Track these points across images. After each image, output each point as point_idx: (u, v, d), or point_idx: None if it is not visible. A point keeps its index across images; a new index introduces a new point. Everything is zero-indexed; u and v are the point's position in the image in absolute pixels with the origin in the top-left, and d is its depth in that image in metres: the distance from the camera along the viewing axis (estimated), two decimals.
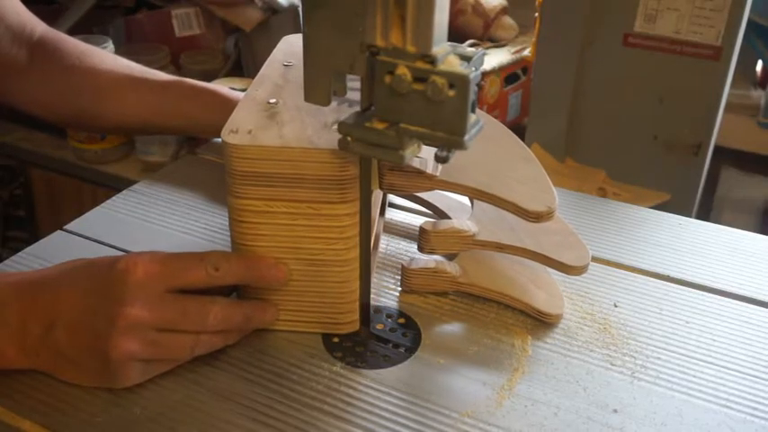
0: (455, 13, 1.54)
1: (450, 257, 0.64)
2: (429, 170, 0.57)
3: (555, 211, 0.56)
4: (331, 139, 0.52)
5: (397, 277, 0.64)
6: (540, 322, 0.60)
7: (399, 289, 0.63)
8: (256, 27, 1.45)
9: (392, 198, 0.75)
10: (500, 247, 0.61)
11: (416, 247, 0.61)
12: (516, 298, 0.61)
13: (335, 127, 0.53)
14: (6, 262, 0.65)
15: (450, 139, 0.45)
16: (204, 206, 0.73)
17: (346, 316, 0.57)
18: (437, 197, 0.70)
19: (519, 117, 1.50)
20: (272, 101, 0.57)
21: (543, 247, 0.60)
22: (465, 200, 0.68)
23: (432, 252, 0.61)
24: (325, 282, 0.55)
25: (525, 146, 0.63)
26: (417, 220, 0.72)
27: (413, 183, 0.58)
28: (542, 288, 0.62)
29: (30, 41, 0.76)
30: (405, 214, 0.74)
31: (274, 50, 0.66)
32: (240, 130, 0.53)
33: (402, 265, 0.62)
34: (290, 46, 0.67)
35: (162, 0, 1.58)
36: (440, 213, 0.69)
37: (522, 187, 0.57)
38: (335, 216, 0.53)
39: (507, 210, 0.57)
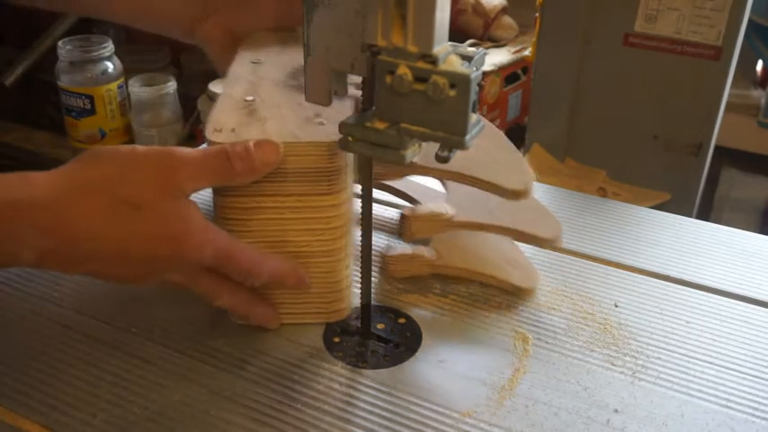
0: (455, 12, 1.54)
1: (426, 242, 0.65)
2: None
3: (532, 188, 0.58)
4: (314, 131, 0.52)
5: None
6: (542, 324, 0.60)
7: (400, 288, 0.63)
8: None
9: (400, 200, 0.75)
10: (478, 227, 0.63)
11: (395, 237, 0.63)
12: (491, 275, 0.63)
13: (318, 120, 0.53)
14: None
15: (450, 139, 0.45)
16: (204, 205, 0.73)
17: (334, 305, 0.58)
18: (409, 185, 0.71)
19: (519, 117, 1.49)
20: (249, 98, 0.57)
21: (518, 224, 0.62)
22: (437, 186, 0.69)
23: (412, 237, 0.63)
24: (313, 272, 0.55)
25: (499, 131, 0.65)
26: None
27: (394, 170, 0.58)
28: (516, 267, 0.64)
29: None
30: None
31: (240, 48, 0.66)
32: (224, 128, 0.53)
33: (381, 253, 0.63)
34: (257, 43, 0.67)
35: None
36: (413, 201, 0.69)
37: (500, 168, 0.59)
38: (324, 207, 0.53)
39: (487, 190, 0.59)
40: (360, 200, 0.54)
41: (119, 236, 0.48)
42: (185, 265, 0.50)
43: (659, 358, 0.57)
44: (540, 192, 0.81)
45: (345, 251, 0.56)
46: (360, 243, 0.55)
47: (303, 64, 0.51)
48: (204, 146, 0.53)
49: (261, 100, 0.57)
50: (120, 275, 0.51)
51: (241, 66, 0.63)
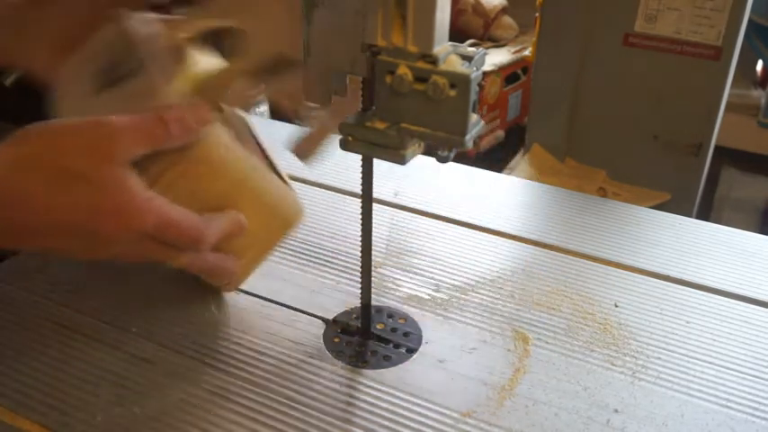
0: (455, 13, 1.54)
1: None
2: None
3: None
4: (170, 96, 0.53)
5: (397, 276, 0.64)
6: (542, 324, 0.60)
7: (400, 289, 0.63)
8: None
9: (400, 200, 0.76)
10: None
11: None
12: None
13: (159, 89, 0.53)
14: (6, 262, 0.65)
15: (450, 139, 0.45)
16: None
17: (288, 216, 0.59)
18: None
19: (519, 117, 1.50)
20: (89, 96, 0.56)
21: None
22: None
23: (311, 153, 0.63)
24: (248, 210, 0.55)
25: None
26: (423, 221, 0.72)
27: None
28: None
29: None
30: (411, 215, 0.74)
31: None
32: None
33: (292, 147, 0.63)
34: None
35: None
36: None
37: None
38: (219, 156, 0.53)
39: None
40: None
41: (63, 207, 0.48)
42: (131, 234, 0.49)
43: (659, 358, 0.57)
44: (540, 192, 0.81)
45: (263, 174, 0.56)
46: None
47: (105, 56, 0.52)
48: None
49: (98, 92, 0.56)
50: (70, 249, 0.50)
51: (64, 86, 0.61)
